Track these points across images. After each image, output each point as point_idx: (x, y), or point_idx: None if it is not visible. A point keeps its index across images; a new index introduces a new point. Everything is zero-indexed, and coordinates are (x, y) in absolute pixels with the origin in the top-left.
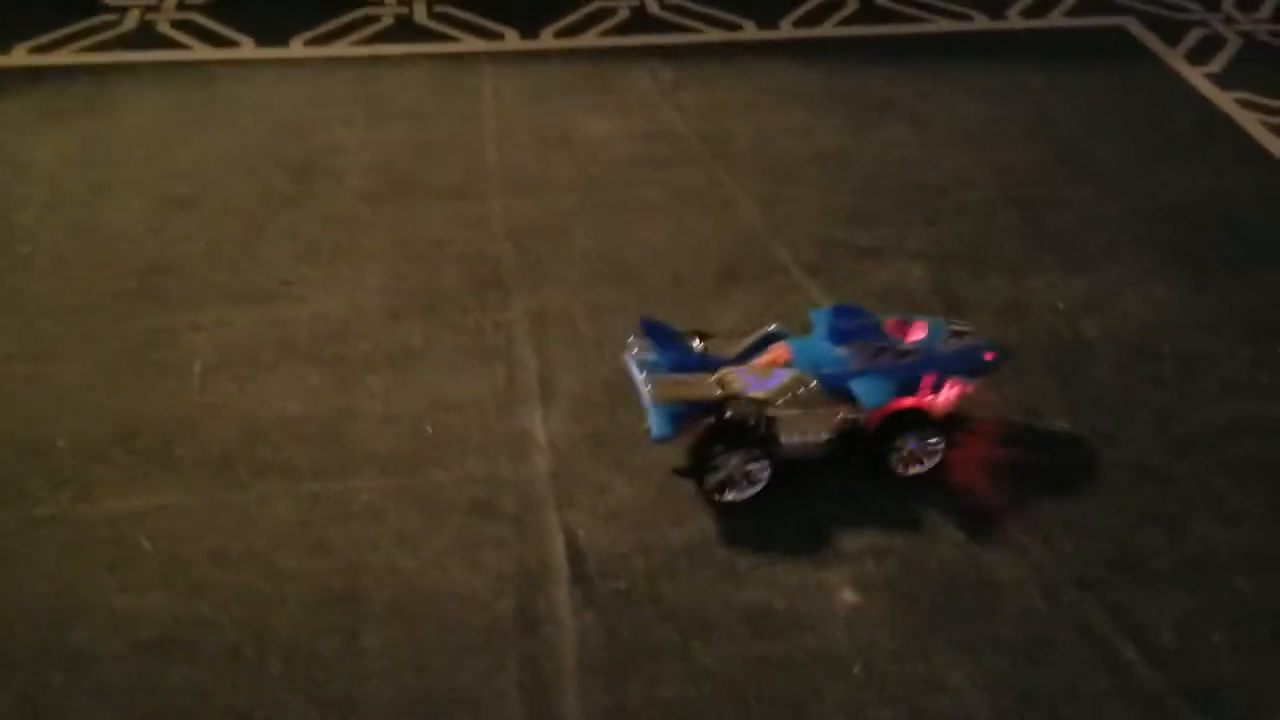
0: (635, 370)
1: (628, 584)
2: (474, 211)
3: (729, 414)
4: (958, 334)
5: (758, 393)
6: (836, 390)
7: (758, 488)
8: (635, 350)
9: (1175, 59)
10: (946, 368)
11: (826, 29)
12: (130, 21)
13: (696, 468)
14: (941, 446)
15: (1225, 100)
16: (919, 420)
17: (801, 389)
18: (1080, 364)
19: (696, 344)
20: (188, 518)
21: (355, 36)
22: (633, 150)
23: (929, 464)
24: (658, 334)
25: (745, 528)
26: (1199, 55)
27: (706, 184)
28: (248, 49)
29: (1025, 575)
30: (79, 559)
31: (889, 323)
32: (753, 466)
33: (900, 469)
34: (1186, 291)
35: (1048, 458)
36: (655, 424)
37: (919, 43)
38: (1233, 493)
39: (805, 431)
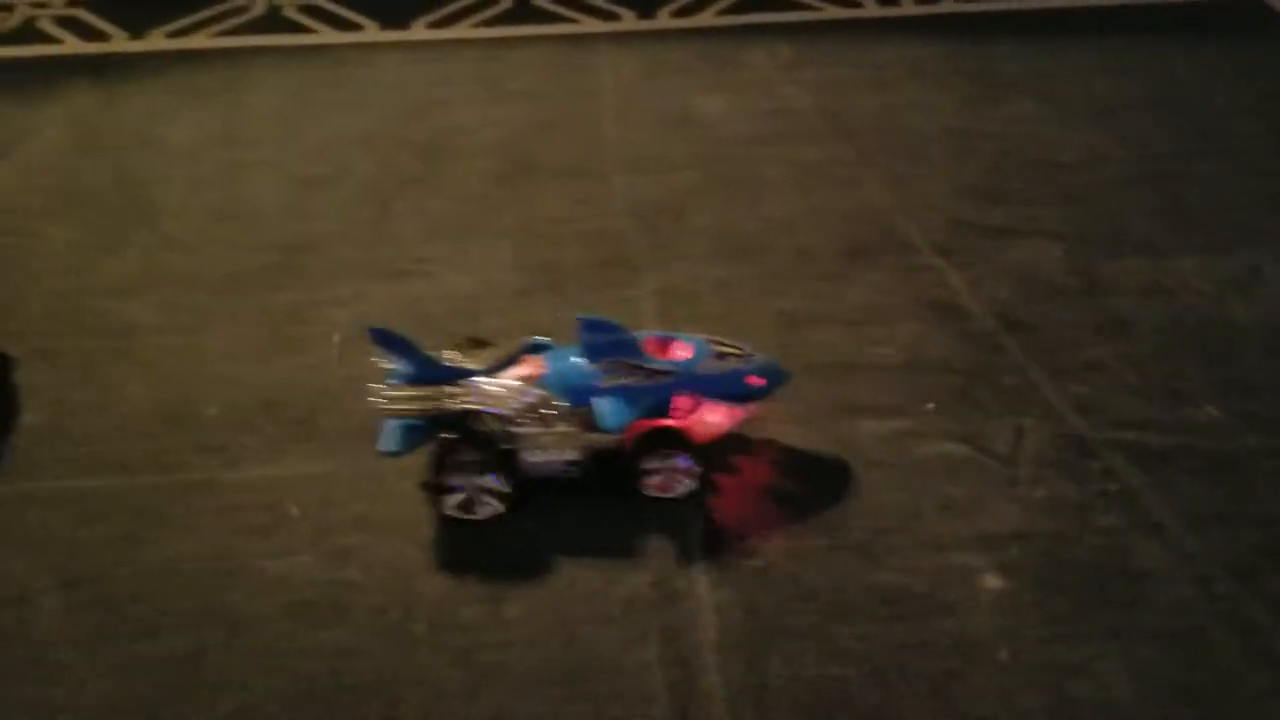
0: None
1: (765, 562)
2: (596, 190)
3: (468, 430)
4: (724, 355)
5: (497, 409)
6: (585, 409)
7: (501, 507)
8: (378, 359)
9: None
10: (704, 391)
11: (948, 5)
12: (259, 7)
13: (435, 484)
14: (697, 471)
15: None
16: (672, 441)
17: (546, 407)
18: (1229, 347)
19: (451, 354)
20: (333, 485)
21: (475, 19)
22: (752, 128)
23: (682, 489)
24: (392, 343)
25: (881, 509)
26: None
27: (829, 161)
28: (371, 32)
29: (1176, 564)
30: (231, 523)
31: (648, 341)
32: (492, 485)
33: (650, 492)
34: None
35: (1196, 444)
36: (382, 437)
37: (1043, 17)
38: None
39: (550, 450)
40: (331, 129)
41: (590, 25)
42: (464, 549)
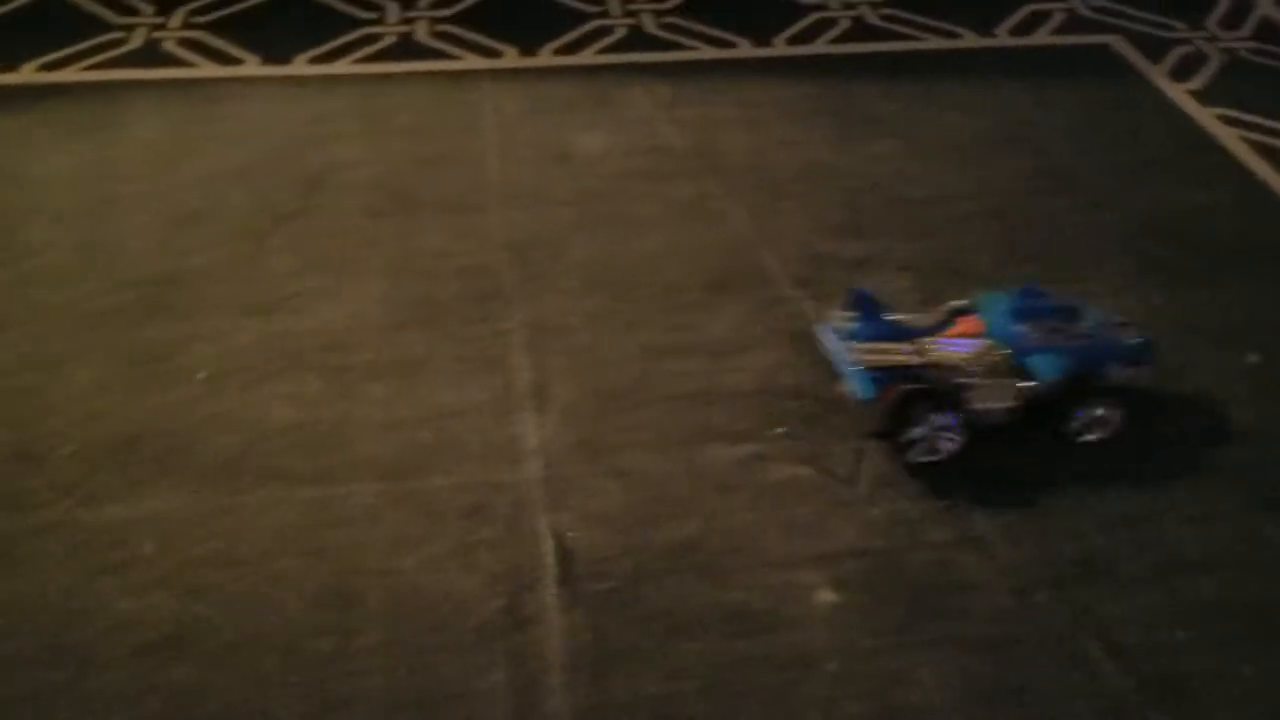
0: (834, 339)
1: (614, 585)
2: (474, 224)
3: (927, 380)
4: (1119, 325)
5: (956, 354)
6: (1020, 362)
7: (952, 448)
8: (834, 321)
9: (1158, 76)
10: (1112, 353)
11: (819, 46)
12: (137, 39)
13: (893, 430)
14: (1120, 414)
15: (1206, 116)
16: (1097, 391)
17: (992, 357)
18: None
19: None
20: (189, 522)
21: (358, 55)
22: (629, 164)
23: (1107, 431)
24: (865, 305)
25: (728, 530)
26: (1181, 72)
27: (700, 197)
28: (252, 67)
29: (997, 577)
30: (83, 562)
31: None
32: (948, 429)
33: (1080, 435)
34: (1164, 302)
35: (1018, 463)
36: (860, 387)
37: (909, 60)
38: (1200, 496)
39: (993, 398)
40: (208, 164)
41: (473, 62)
42: (320, 581)
